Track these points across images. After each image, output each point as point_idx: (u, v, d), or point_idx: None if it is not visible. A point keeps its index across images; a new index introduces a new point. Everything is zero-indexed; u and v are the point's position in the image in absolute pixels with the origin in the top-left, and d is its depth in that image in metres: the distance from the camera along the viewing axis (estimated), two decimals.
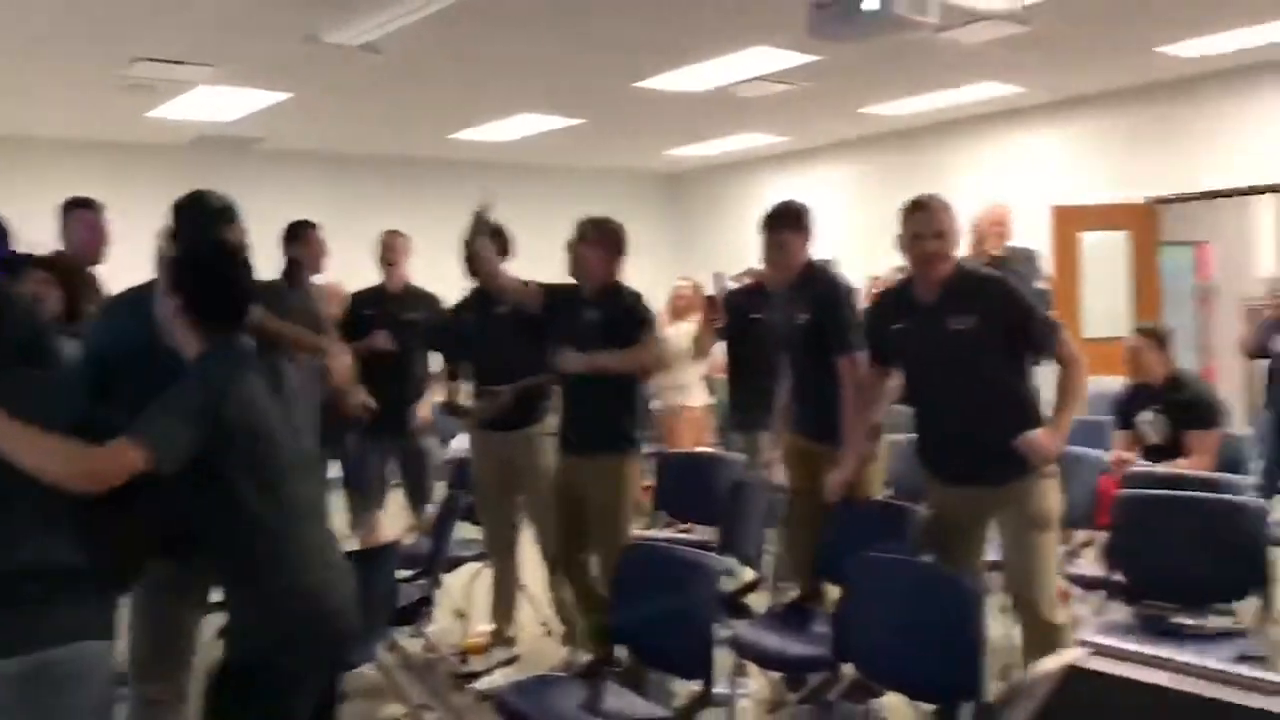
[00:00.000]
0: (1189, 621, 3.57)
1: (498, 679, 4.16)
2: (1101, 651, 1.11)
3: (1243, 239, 9.29)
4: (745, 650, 3.30)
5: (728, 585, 3.47)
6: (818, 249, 9.21)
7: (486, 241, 4.12)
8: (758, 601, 3.88)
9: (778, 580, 4.65)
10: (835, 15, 4.32)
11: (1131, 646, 1.14)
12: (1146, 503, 3.59)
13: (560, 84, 7.61)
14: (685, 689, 3.00)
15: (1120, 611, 3.61)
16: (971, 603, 2.54)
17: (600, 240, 3.96)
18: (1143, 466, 4.55)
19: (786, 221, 3.96)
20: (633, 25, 6.15)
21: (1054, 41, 6.83)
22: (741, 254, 11.43)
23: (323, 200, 8.78)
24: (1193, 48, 7.22)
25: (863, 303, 7.40)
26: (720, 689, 3.67)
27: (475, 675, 4.31)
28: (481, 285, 4.39)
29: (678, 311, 6.98)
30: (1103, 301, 8.41)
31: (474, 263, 4.21)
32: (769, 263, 4.05)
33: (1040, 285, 6.21)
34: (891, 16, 4.24)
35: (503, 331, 4.36)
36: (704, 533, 4.57)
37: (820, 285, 3.91)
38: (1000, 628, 3.57)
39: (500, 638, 4.50)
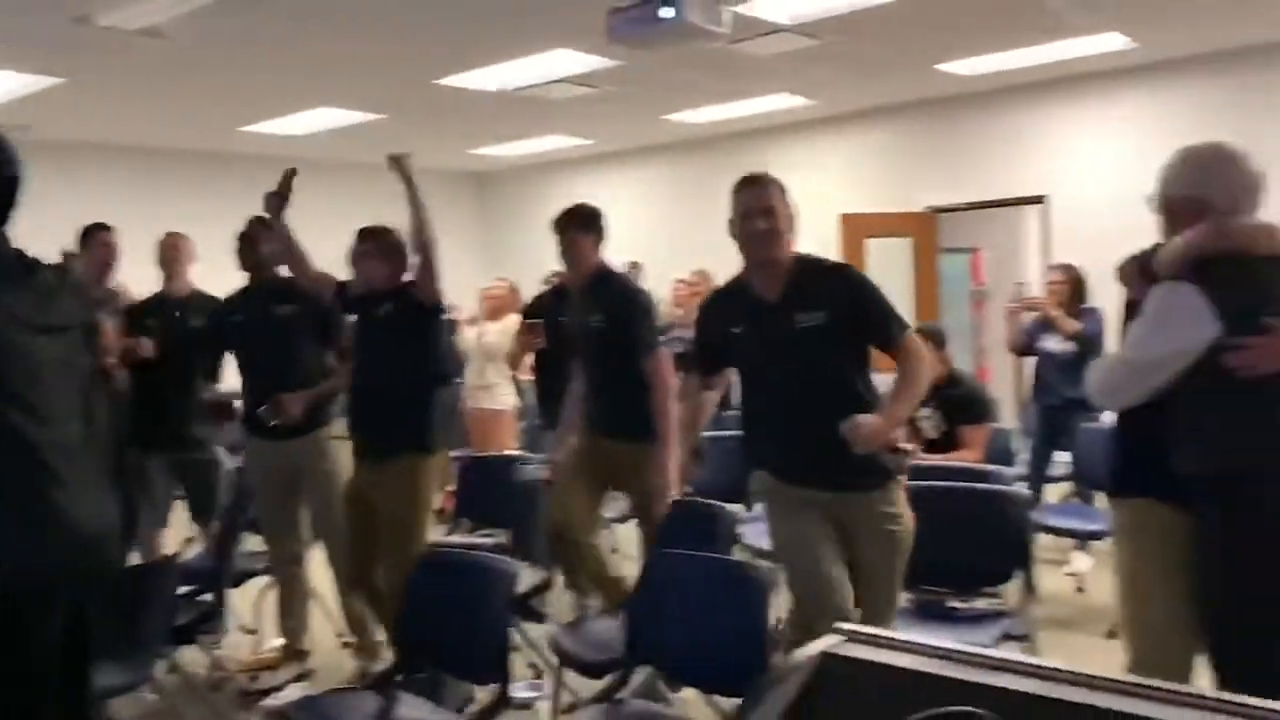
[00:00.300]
0: (961, 605, 3.81)
1: (289, 695, 4.00)
2: (855, 638, 1.16)
3: (1012, 246, 10.01)
4: (558, 651, 3.28)
5: (524, 587, 3.47)
6: (624, 252, 9.34)
7: (286, 227, 4.00)
8: (554, 602, 3.89)
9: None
10: (632, 21, 4.40)
11: (884, 632, 1.19)
12: (921, 494, 3.78)
13: (360, 78, 7.40)
14: (484, 694, 2.96)
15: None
16: (760, 593, 2.62)
17: (380, 252, 3.87)
18: (920, 460, 4.81)
19: (574, 222, 3.97)
20: (434, 21, 6.05)
21: (841, 56, 7.17)
22: (551, 255, 11.50)
23: (100, 196, 8.23)
24: (969, 66, 7.74)
25: (670, 307, 7.61)
26: (524, 693, 3.69)
27: (265, 693, 4.12)
28: (261, 281, 4.23)
29: (493, 311, 6.92)
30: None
31: (252, 254, 4.09)
32: (564, 263, 4.07)
33: None
34: (686, 25, 4.35)
35: (283, 331, 4.19)
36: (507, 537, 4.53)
37: (613, 287, 3.94)
38: None
39: (292, 653, 4.32)
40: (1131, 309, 2.63)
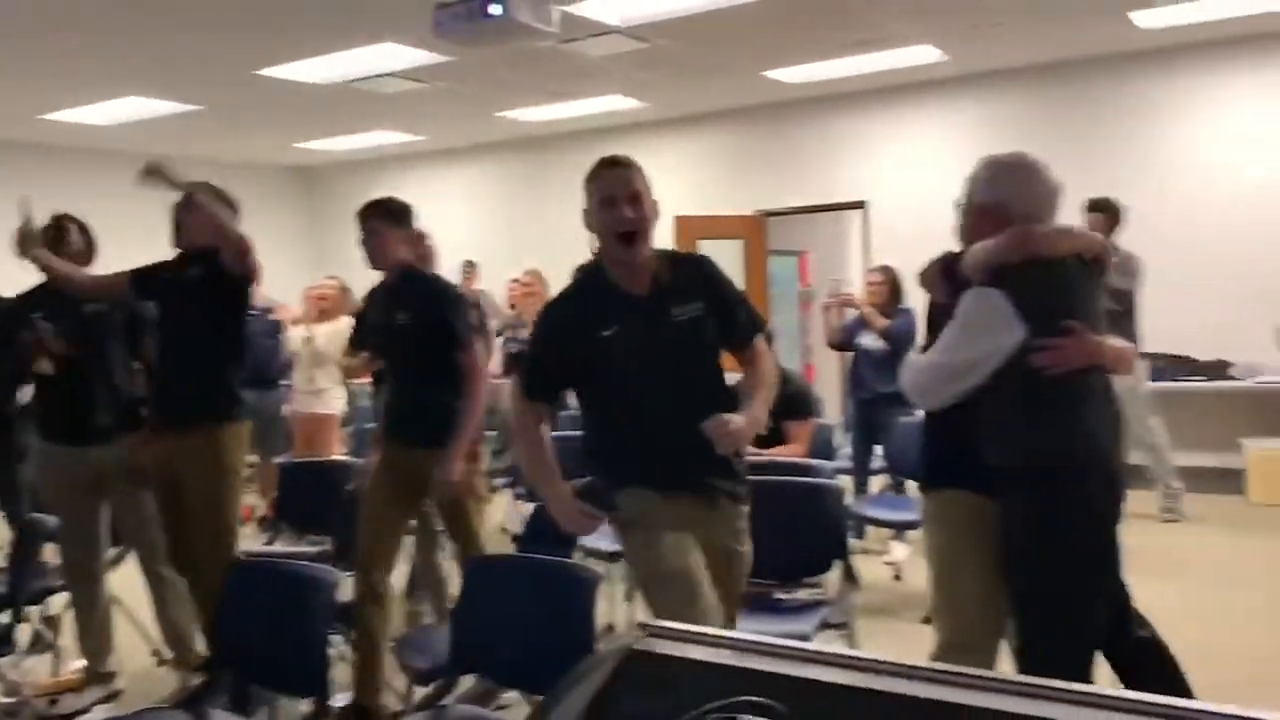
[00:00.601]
0: (785, 596, 3.92)
1: (95, 718, 3.76)
2: (658, 633, 1.17)
3: (836, 248, 10.38)
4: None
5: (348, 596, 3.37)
6: (459, 252, 9.23)
7: (42, 251, 3.75)
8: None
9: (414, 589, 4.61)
10: (458, 17, 4.34)
11: (685, 626, 1.20)
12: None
13: (174, 66, 7.04)
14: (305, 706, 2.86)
15: None
16: (585, 593, 2.62)
17: (200, 202, 3.67)
18: (750, 454, 4.92)
19: (379, 212, 3.75)
20: (255, 10, 5.81)
21: (672, 60, 7.27)
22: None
23: None
24: (794, 74, 7.98)
25: (505, 307, 7.55)
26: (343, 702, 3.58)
27: (67, 717, 3.86)
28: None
29: (322, 313, 6.65)
30: None
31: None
32: (365, 255, 3.79)
33: None
34: (514, 23, 4.32)
35: (91, 331, 3.95)
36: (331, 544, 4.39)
37: (420, 283, 3.75)
38: None
39: (95, 675, 4.05)
40: (936, 310, 2.77)
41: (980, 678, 1.12)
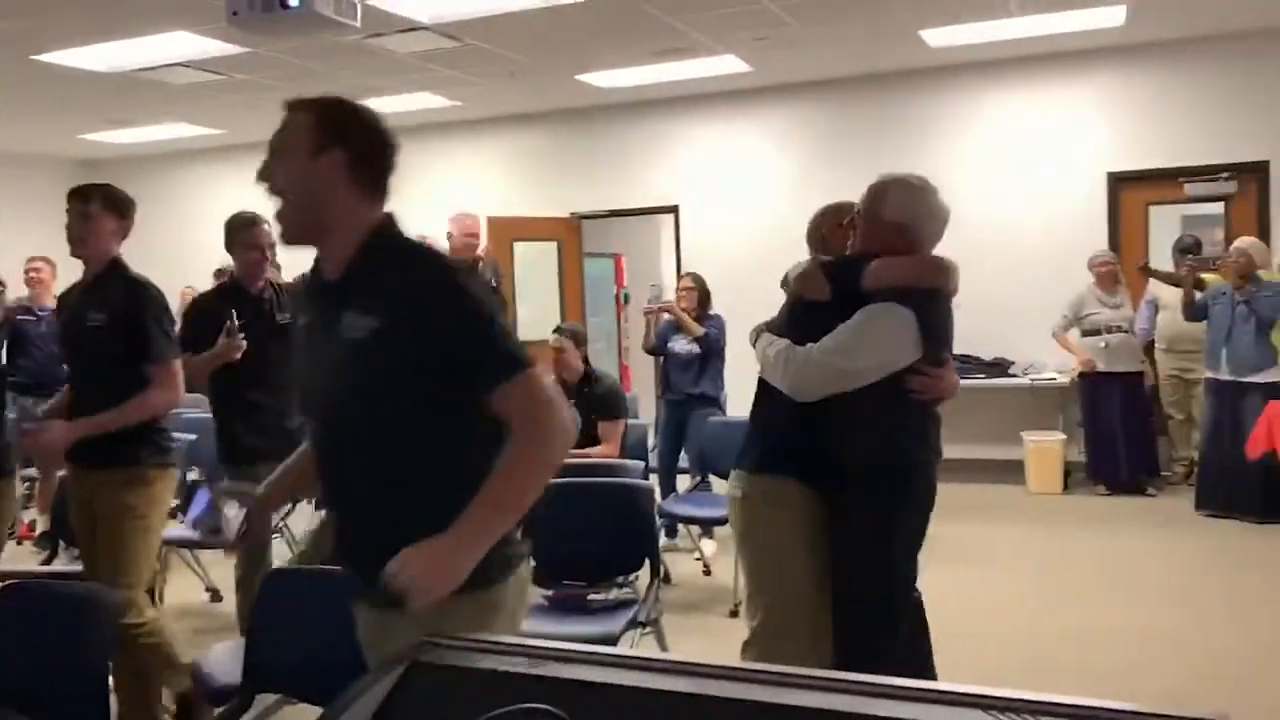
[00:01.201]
0: (597, 597, 3.94)
1: None
2: (441, 644, 1.15)
3: (650, 251, 10.54)
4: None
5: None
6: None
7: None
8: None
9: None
10: (256, 8, 4.15)
11: (472, 636, 1.19)
12: (554, 490, 3.87)
13: None
14: None
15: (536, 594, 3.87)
16: None
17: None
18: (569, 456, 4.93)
19: (99, 196, 3.47)
20: None
21: (483, 60, 7.20)
22: (179, 251, 10.64)
23: None
24: (606, 79, 8.05)
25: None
26: None
27: None
28: None
29: None
30: (536, 306, 9.07)
31: None
32: (69, 239, 3.47)
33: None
34: (314, 15, 4.17)
35: None
36: None
37: (123, 282, 3.43)
38: None
39: None
40: (805, 309, 2.84)
41: (766, 673, 1.15)
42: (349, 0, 4.41)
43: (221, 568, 5.43)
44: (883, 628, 2.73)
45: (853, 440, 2.73)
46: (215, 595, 5.30)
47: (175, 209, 11.09)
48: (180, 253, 10.73)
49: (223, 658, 2.98)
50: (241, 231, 4.14)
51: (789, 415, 2.83)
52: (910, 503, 2.75)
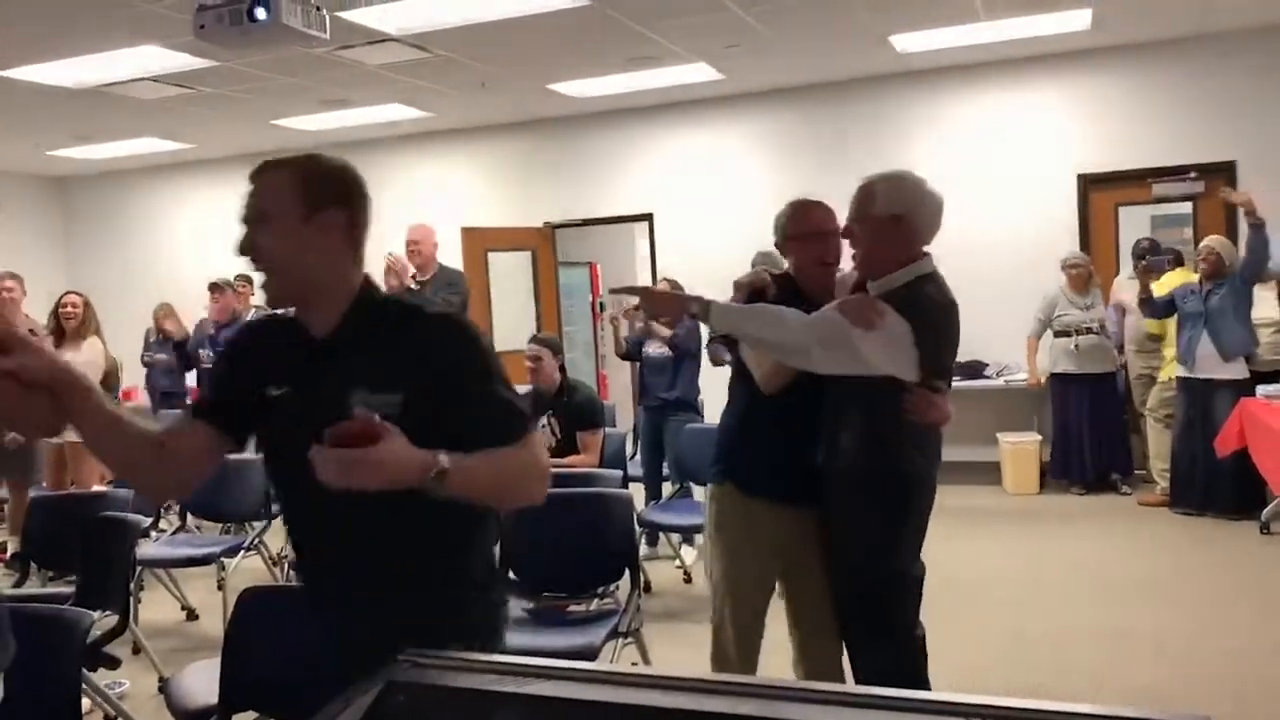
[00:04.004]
0: (578, 608, 3.92)
1: None
2: (419, 662, 1.14)
3: (625, 259, 10.54)
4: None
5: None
6: (237, 265, 8.66)
7: None
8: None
9: None
10: (222, 21, 4.12)
11: (448, 654, 1.17)
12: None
13: None
14: None
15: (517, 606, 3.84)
16: None
17: None
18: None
19: None
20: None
21: (454, 70, 7.18)
22: (150, 267, 10.56)
23: None
24: (578, 88, 8.05)
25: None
26: None
27: None
28: None
29: (74, 332, 6.17)
30: (511, 316, 9.05)
31: None
32: None
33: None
34: (283, 28, 4.14)
35: None
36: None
37: None
38: None
39: None
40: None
41: (748, 685, 1.14)
42: (317, 12, 4.39)
43: (196, 588, 5.37)
44: (892, 633, 2.79)
45: (860, 450, 2.75)
46: (191, 614, 5.24)
47: (145, 225, 11.00)
48: (151, 268, 10.66)
49: (198, 677, 2.95)
50: None
51: (748, 423, 2.94)
52: (916, 506, 2.79)
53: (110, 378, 6.35)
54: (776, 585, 3.05)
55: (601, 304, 11.12)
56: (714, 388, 6.79)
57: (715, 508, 3.04)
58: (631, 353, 6.28)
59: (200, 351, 7.27)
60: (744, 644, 3.00)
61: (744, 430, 3.00)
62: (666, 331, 5.94)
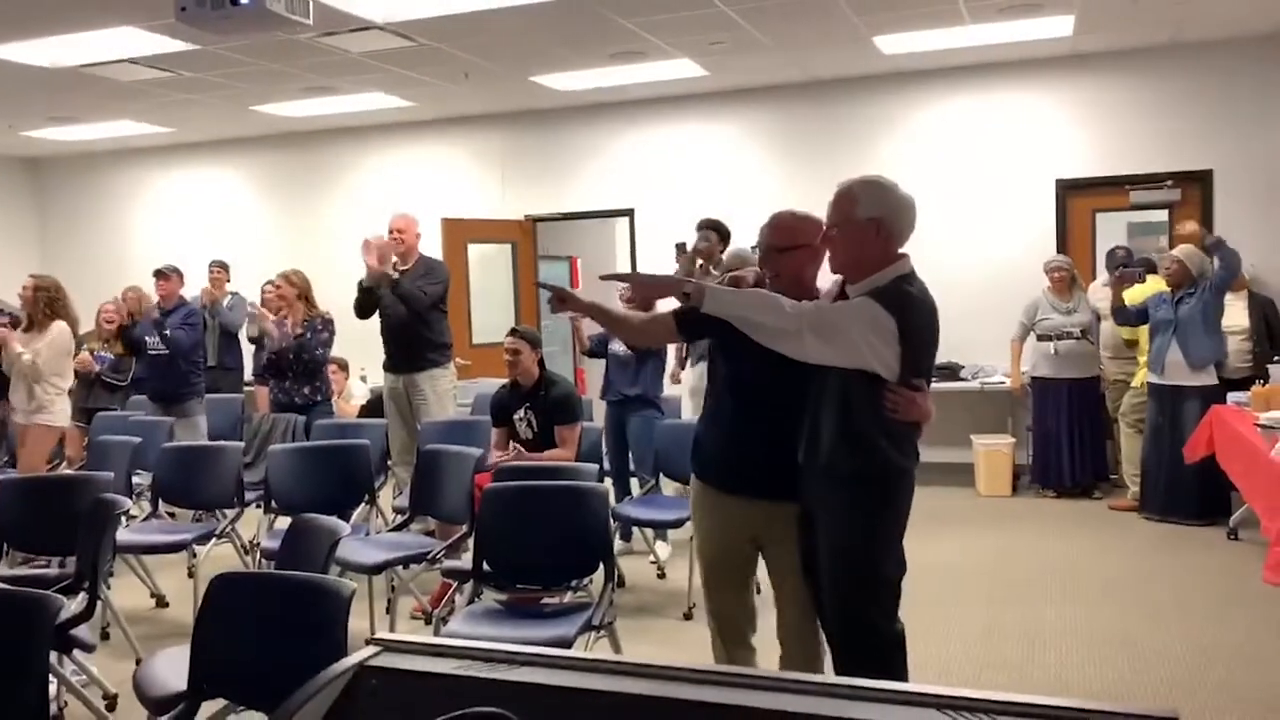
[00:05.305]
0: (552, 600, 3.92)
1: None
2: (390, 647, 1.13)
3: (605, 254, 10.51)
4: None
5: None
6: (211, 251, 8.63)
7: None
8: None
9: None
10: (204, 4, 4.08)
11: (419, 638, 1.17)
12: (508, 494, 3.87)
13: None
14: None
15: (490, 598, 3.84)
16: (336, 607, 2.52)
17: None
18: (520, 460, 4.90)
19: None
20: None
21: (437, 60, 7.15)
22: (125, 251, 10.46)
23: None
24: (559, 81, 8.03)
25: (270, 311, 7.07)
26: None
27: None
28: None
29: (39, 315, 6.10)
30: (491, 309, 9.03)
31: None
32: None
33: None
34: (266, 13, 4.11)
35: None
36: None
37: None
38: None
39: None
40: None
41: (721, 674, 1.15)
42: None
43: (167, 575, 5.33)
44: (874, 629, 2.80)
45: (836, 447, 2.76)
46: (161, 601, 5.20)
47: (120, 208, 10.90)
48: (126, 253, 10.56)
49: (167, 664, 2.92)
50: None
51: (730, 423, 3.02)
52: (899, 504, 2.83)
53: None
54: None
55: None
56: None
57: (695, 510, 3.19)
58: (596, 350, 6.28)
59: (146, 339, 7.03)
60: (726, 634, 3.15)
61: (718, 428, 3.11)
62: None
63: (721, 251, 6.49)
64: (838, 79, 8.32)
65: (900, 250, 2.81)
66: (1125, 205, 7.80)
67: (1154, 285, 6.71)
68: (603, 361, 6.28)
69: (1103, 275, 7.37)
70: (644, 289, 3.06)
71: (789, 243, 3.00)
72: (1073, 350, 7.09)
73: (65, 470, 6.37)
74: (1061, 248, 7.85)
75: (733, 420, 3.06)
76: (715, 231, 6.52)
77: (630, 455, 6.05)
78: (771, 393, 2.93)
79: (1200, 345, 6.25)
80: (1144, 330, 6.65)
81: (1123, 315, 6.64)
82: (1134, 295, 6.65)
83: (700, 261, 6.34)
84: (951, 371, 7.72)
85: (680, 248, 6.85)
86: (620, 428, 6.05)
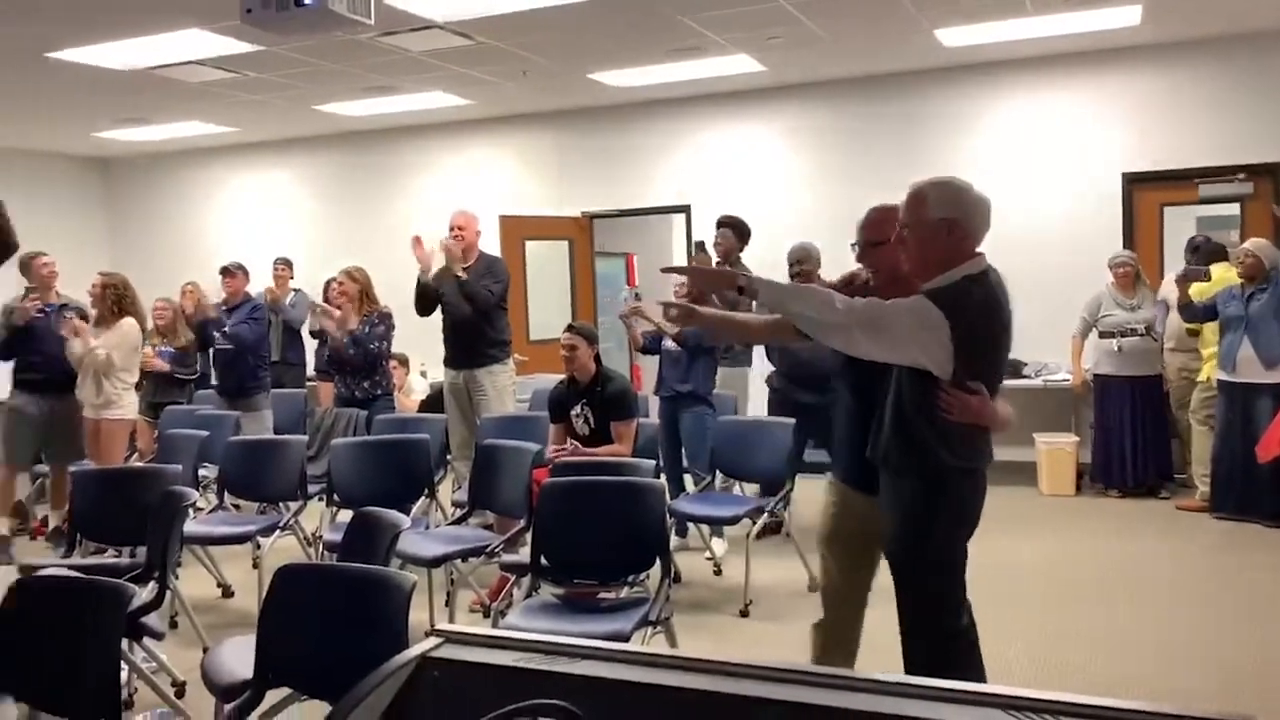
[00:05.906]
0: (609, 595, 3.94)
1: None
2: (452, 639, 1.15)
3: (661, 251, 10.52)
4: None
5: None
6: (276, 249, 8.77)
7: None
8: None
9: None
10: (269, 5, 4.15)
11: (481, 630, 1.19)
12: (566, 490, 3.89)
13: None
14: None
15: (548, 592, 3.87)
16: (399, 600, 2.55)
17: None
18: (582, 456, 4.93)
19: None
20: None
21: (496, 58, 7.21)
22: (191, 249, 10.70)
23: None
24: (618, 78, 8.04)
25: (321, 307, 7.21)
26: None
27: None
28: None
29: (107, 312, 6.25)
30: (547, 306, 9.07)
31: None
32: None
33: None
34: (329, 13, 4.16)
35: None
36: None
37: None
38: None
39: None
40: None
41: (780, 670, 1.14)
42: None
43: (232, 566, 5.45)
44: (937, 625, 2.82)
45: (890, 445, 2.78)
46: (227, 591, 5.32)
47: (187, 208, 11.14)
48: (192, 251, 10.80)
49: (233, 652, 2.99)
50: None
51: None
52: (974, 498, 2.81)
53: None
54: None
55: (637, 295, 11.10)
56: (752, 385, 6.82)
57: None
58: (650, 347, 6.28)
59: (214, 333, 7.25)
60: (833, 638, 3.20)
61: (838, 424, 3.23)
62: (671, 329, 5.90)
63: (740, 249, 6.45)
64: (897, 73, 8.22)
65: (977, 249, 2.78)
66: (1194, 199, 7.60)
67: (1221, 278, 6.54)
68: (657, 358, 6.29)
69: (1180, 265, 7.17)
70: (701, 281, 3.08)
71: (880, 236, 3.00)
72: (1136, 347, 6.94)
73: (136, 463, 6.53)
74: (1128, 243, 7.68)
75: (853, 420, 3.10)
76: (733, 229, 6.48)
77: (683, 451, 6.05)
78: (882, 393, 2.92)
79: (1273, 342, 6.08)
80: (1210, 324, 6.49)
81: (1190, 312, 6.48)
82: (1200, 290, 6.49)
83: (718, 259, 6.31)
84: (1014, 368, 7.60)
85: (699, 246, 6.83)
86: (673, 423, 6.05)
